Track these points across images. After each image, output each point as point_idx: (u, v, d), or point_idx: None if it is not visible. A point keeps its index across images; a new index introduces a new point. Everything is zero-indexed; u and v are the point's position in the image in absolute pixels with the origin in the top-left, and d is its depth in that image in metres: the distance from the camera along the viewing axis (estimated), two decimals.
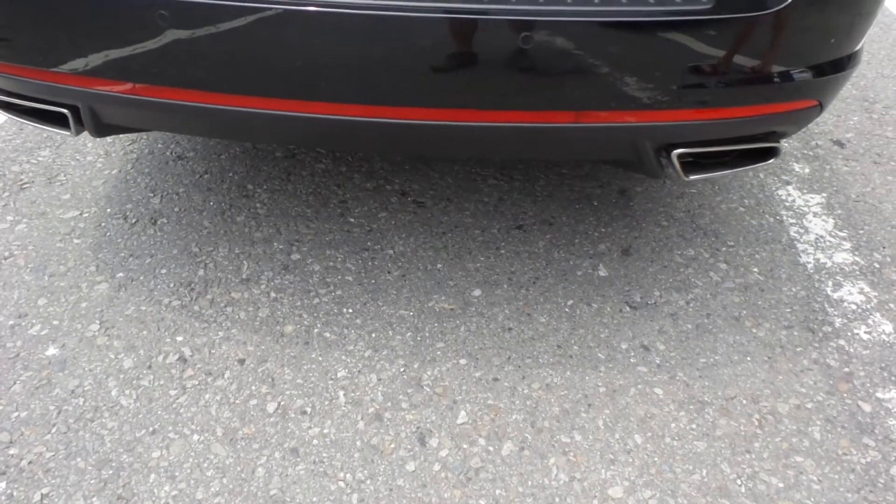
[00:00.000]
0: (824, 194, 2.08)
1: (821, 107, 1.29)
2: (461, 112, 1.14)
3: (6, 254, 1.72)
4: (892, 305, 1.68)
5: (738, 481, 1.27)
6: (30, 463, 1.26)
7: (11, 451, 1.28)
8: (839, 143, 2.36)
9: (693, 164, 1.33)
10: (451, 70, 1.11)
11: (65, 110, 1.29)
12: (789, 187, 2.11)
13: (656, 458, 1.31)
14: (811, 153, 2.29)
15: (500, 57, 1.09)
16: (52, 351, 1.47)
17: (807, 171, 2.19)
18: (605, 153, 1.34)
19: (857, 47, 1.25)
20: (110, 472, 1.26)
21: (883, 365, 1.51)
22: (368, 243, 1.79)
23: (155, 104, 1.19)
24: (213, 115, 1.20)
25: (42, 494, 1.22)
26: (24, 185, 1.96)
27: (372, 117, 1.16)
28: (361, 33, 1.08)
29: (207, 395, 1.40)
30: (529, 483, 1.26)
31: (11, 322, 1.54)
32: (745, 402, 1.42)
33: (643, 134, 1.21)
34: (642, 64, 1.10)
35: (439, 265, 1.74)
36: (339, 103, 1.15)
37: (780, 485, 1.27)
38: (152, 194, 1.93)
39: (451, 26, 1.07)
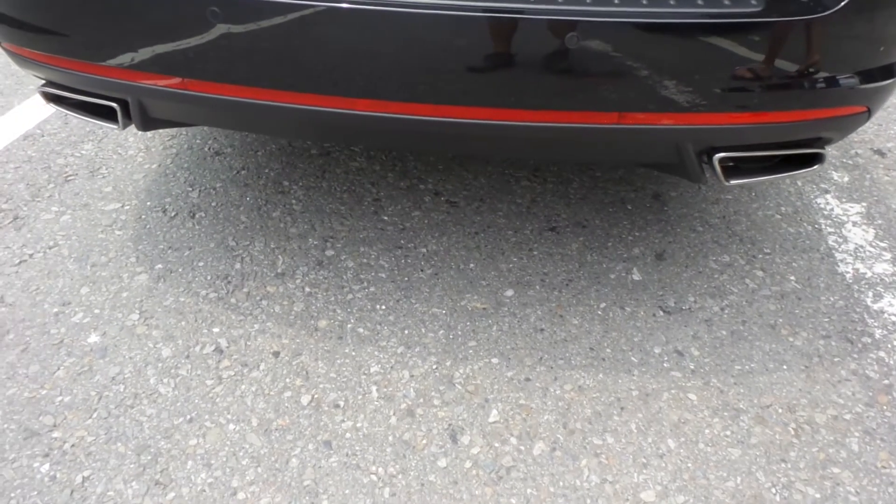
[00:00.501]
0: (864, 204, 2.04)
1: (869, 113, 1.27)
2: (504, 112, 1.15)
3: (51, 243, 1.77)
4: None
5: (773, 490, 1.25)
6: (72, 446, 1.30)
7: (55, 435, 1.32)
8: (880, 153, 2.31)
9: (734, 168, 1.32)
10: (494, 69, 1.11)
11: (114, 104, 1.33)
12: (828, 196, 2.07)
13: (690, 464, 1.29)
14: (850, 162, 2.25)
15: (545, 57, 1.09)
16: (93, 338, 1.51)
17: (846, 179, 2.15)
18: (646, 155, 1.33)
19: None
20: (149, 457, 1.28)
21: None
22: (402, 241, 1.81)
23: (202, 99, 1.21)
24: (259, 111, 1.22)
25: (83, 477, 1.25)
26: (69, 178, 2.01)
27: (413, 115, 1.17)
28: (406, 32, 1.09)
29: (243, 386, 1.42)
30: (561, 484, 1.26)
31: (56, 310, 1.58)
32: (780, 410, 1.40)
33: (686, 136, 1.20)
34: (688, 66, 1.10)
35: (472, 265, 1.74)
36: (382, 101, 1.17)
37: (817, 496, 1.24)
38: (191, 189, 1.97)
39: (496, 25, 1.08)
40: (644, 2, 1.08)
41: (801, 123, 1.22)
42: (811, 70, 1.14)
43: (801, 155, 1.34)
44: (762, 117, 1.18)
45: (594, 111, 1.14)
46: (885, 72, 1.22)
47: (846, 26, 1.10)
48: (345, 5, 1.08)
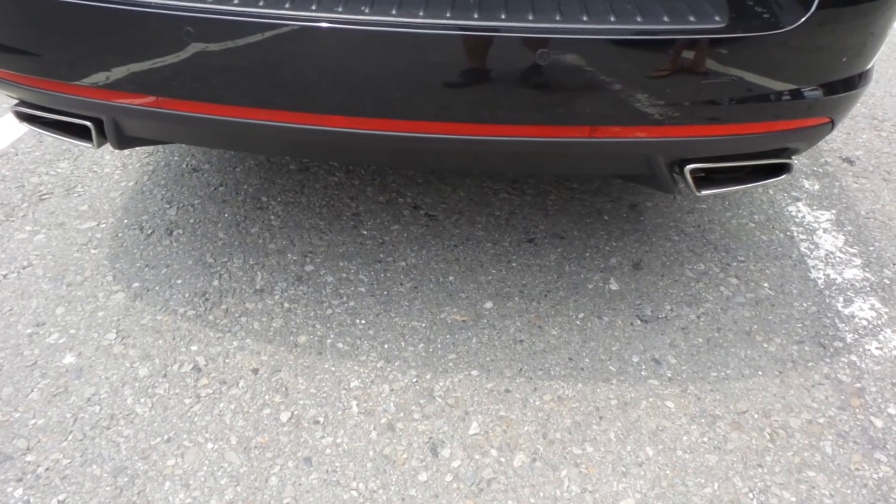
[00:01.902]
0: (834, 211, 2.09)
1: (832, 124, 1.30)
2: (477, 127, 1.16)
3: (25, 263, 1.74)
4: None
5: (751, 495, 1.27)
6: (47, 470, 1.28)
7: (29, 458, 1.29)
8: (848, 161, 2.37)
9: (705, 179, 1.35)
10: (467, 85, 1.13)
11: (88, 123, 1.32)
12: (799, 203, 2.12)
13: (668, 471, 1.31)
14: (821, 170, 2.30)
15: (517, 73, 1.11)
16: (69, 359, 1.49)
17: (816, 187, 2.20)
18: (619, 168, 1.35)
19: (868, 66, 1.27)
20: (125, 479, 1.27)
21: (894, 381, 1.51)
22: (381, 255, 1.81)
23: (178, 117, 1.21)
24: (234, 129, 1.22)
25: (59, 501, 1.23)
26: (44, 196, 1.99)
27: (389, 131, 1.18)
28: (381, 50, 1.11)
29: (222, 404, 1.41)
30: (541, 494, 1.26)
31: (30, 330, 1.56)
32: (756, 416, 1.42)
33: (657, 149, 1.22)
34: (656, 80, 1.12)
35: (451, 277, 1.75)
36: (356, 117, 1.18)
37: (793, 499, 1.26)
38: (168, 206, 1.96)
39: (469, 43, 1.10)
40: (612, 18, 1.10)
41: (768, 135, 1.25)
42: (775, 83, 1.17)
43: (769, 165, 1.37)
44: (730, 129, 1.21)
45: (566, 125, 1.16)
46: (847, 84, 1.25)
47: (807, 41, 1.14)
48: (323, 24, 1.09)
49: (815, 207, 2.10)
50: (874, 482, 1.30)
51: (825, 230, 2.00)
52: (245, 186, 2.05)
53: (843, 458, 1.34)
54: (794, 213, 2.07)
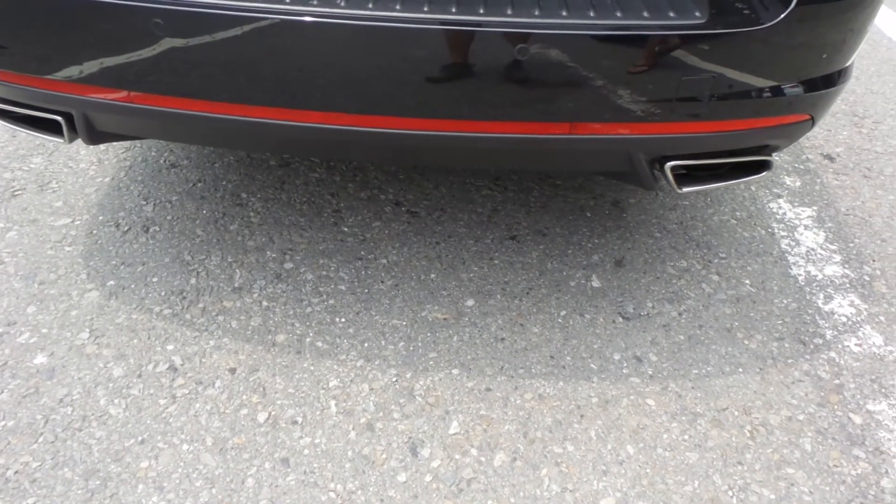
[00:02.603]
0: (815, 207, 2.10)
1: (812, 121, 1.30)
2: (456, 123, 1.15)
3: None
4: (882, 318, 1.69)
5: (730, 493, 1.27)
6: (16, 473, 1.25)
7: None
8: (829, 158, 2.38)
9: (686, 176, 1.34)
10: (446, 81, 1.11)
11: (59, 118, 1.29)
12: (780, 200, 2.12)
13: (648, 470, 1.30)
14: (802, 167, 2.31)
15: (496, 68, 1.10)
16: (40, 359, 1.46)
17: (798, 184, 2.21)
18: (599, 165, 1.34)
19: (848, 63, 1.27)
20: (97, 482, 1.24)
21: (873, 377, 1.52)
22: (362, 252, 1.79)
23: (149, 112, 1.19)
24: (207, 124, 1.20)
25: None
26: (16, 193, 1.94)
27: (366, 127, 1.16)
28: (356, 44, 1.08)
29: (198, 405, 1.38)
30: (521, 494, 1.25)
31: (0, 330, 1.52)
32: (736, 413, 1.42)
33: (637, 146, 1.21)
34: (636, 77, 1.11)
35: (433, 275, 1.74)
36: (332, 112, 1.16)
37: (772, 496, 1.27)
38: (145, 202, 1.93)
39: (447, 38, 1.08)
40: (591, 14, 1.09)
41: (748, 132, 1.24)
42: (755, 80, 1.17)
43: (750, 162, 1.36)
44: (710, 126, 1.21)
45: (546, 122, 1.15)
46: (827, 80, 1.25)
47: (787, 37, 1.13)
48: (297, 18, 1.06)
49: (796, 204, 2.11)
50: (852, 479, 1.30)
51: (806, 227, 2.01)
52: (224, 183, 2.01)
53: (821, 454, 1.35)
54: (775, 210, 2.07)
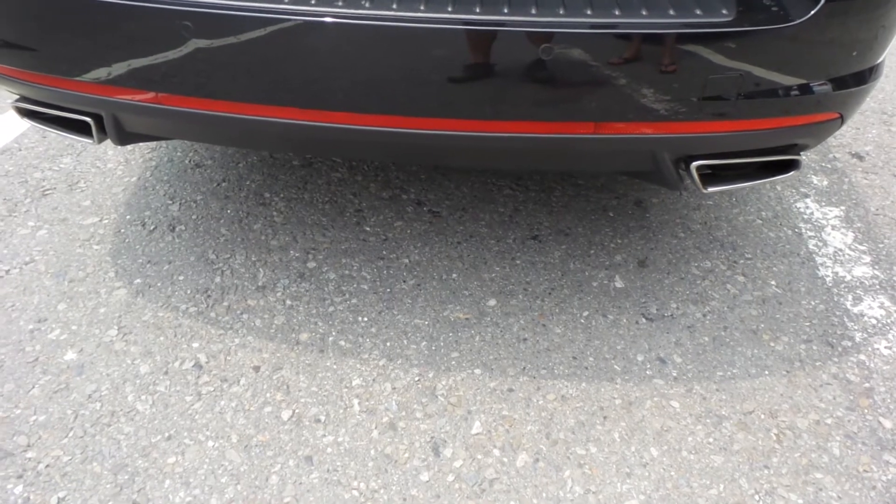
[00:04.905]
0: (843, 207, 2.06)
1: (842, 119, 1.28)
2: (481, 123, 1.15)
3: (27, 259, 1.74)
4: None
5: (757, 497, 1.25)
6: (47, 466, 1.27)
7: (29, 455, 1.29)
8: (858, 156, 2.34)
9: (712, 175, 1.33)
10: (470, 81, 1.11)
11: (88, 119, 1.31)
12: (807, 200, 2.09)
13: (673, 472, 1.29)
14: (829, 166, 2.27)
15: (520, 68, 1.09)
16: (70, 355, 1.49)
17: (825, 183, 2.17)
18: (623, 164, 1.33)
19: (879, 60, 1.24)
20: (126, 477, 1.26)
21: None
22: (384, 252, 1.80)
23: (177, 113, 1.20)
24: (234, 124, 1.21)
25: (59, 498, 1.22)
26: (46, 192, 1.99)
27: (391, 127, 1.17)
28: (381, 44, 1.09)
29: (223, 402, 1.40)
30: (544, 495, 1.25)
31: (31, 326, 1.55)
32: (763, 416, 1.41)
33: (662, 145, 1.20)
34: (662, 75, 1.10)
35: (454, 275, 1.74)
36: (357, 113, 1.16)
37: (800, 501, 1.25)
38: (171, 201, 1.95)
39: (471, 38, 1.08)
40: (616, 12, 1.08)
41: (776, 131, 1.22)
42: (783, 78, 1.15)
43: (777, 161, 1.34)
44: (737, 125, 1.19)
45: (570, 121, 1.14)
46: (857, 78, 1.23)
47: (816, 35, 1.11)
48: (324, 19, 1.07)
49: (823, 204, 2.07)
50: (883, 484, 1.28)
51: (834, 227, 1.98)
52: (248, 182, 2.04)
53: (851, 459, 1.32)
54: (802, 210, 2.04)
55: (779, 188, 2.13)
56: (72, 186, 2.01)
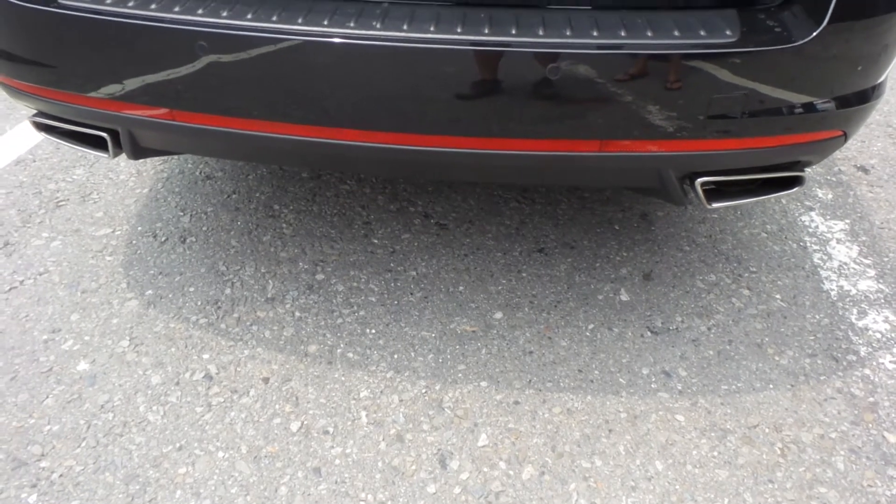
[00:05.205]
0: (848, 221, 2.07)
1: (845, 137, 1.29)
2: (488, 141, 1.17)
3: (41, 269, 1.77)
4: None
5: None
6: (60, 476, 1.29)
7: (43, 464, 1.31)
8: (863, 169, 2.35)
9: (716, 191, 1.34)
10: (479, 100, 1.13)
11: (105, 134, 1.34)
12: (812, 213, 2.10)
13: (678, 486, 1.30)
14: (834, 179, 2.28)
15: (527, 88, 1.12)
16: (83, 366, 1.51)
17: (830, 197, 2.18)
18: (629, 180, 1.35)
19: (882, 78, 1.26)
20: (137, 487, 1.28)
21: None
22: (392, 264, 1.82)
23: (192, 130, 1.23)
24: (247, 141, 1.24)
25: None
26: (60, 203, 2.02)
27: (401, 145, 1.19)
28: (392, 64, 1.11)
29: (233, 413, 1.42)
30: None
31: (45, 337, 1.58)
32: (767, 430, 1.41)
33: (667, 163, 1.22)
34: (667, 95, 1.12)
35: (461, 287, 1.76)
36: (368, 131, 1.19)
37: None
38: (182, 213, 1.98)
39: (480, 58, 1.10)
40: (622, 33, 1.10)
41: (779, 148, 1.24)
42: (787, 97, 1.17)
43: (781, 177, 1.36)
44: (740, 143, 1.21)
45: (576, 139, 1.16)
46: (860, 97, 1.25)
47: (819, 55, 1.13)
48: (336, 39, 1.10)
49: (828, 217, 2.08)
50: (887, 499, 1.28)
51: (839, 241, 1.99)
52: (257, 194, 2.06)
53: (855, 474, 1.33)
54: (807, 223, 2.05)
55: (784, 201, 2.14)
56: (85, 198, 2.04)
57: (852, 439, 1.40)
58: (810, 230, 2.02)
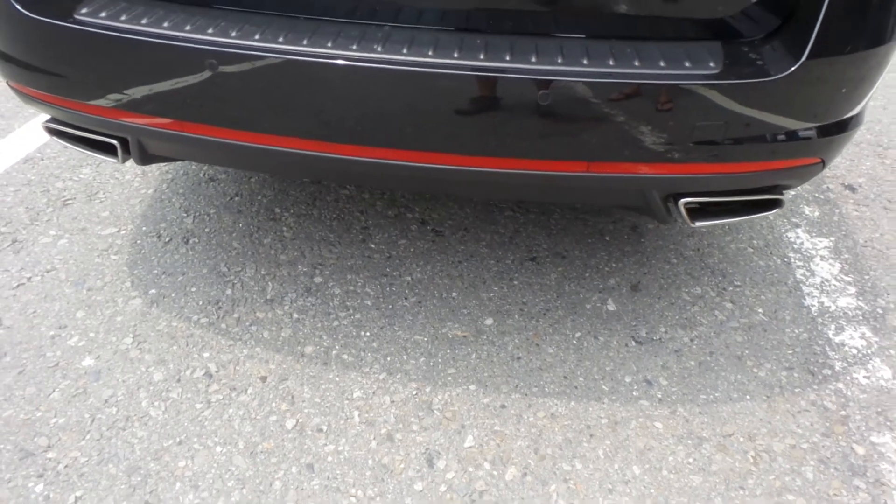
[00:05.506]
0: (833, 238, 2.13)
1: (823, 164, 1.36)
2: (481, 160, 1.23)
3: (49, 267, 1.83)
4: (892, 351, 1.72)
5: None
6: (66, 467, 1.36)
7: (49, 455, 1.38)
8: (850, 188, 2.41)
9: (700, 210, 1.41)
10: (472, 122, 1.19)
11: (114, 141, 1.40)
12: (798, 230, 2.16)
13: (653, 490, 1.37)
14: (822, 196, 2.34)
15: (519, 111, 1.18)
16: (88, 362, 1.58)
17: (817, 214, 2.25)
18: (614, 200, 1.41)
19: (858, 110, 1.32)
20: (139, 478, 1.35)
21: (879, 409, 1.56)
22: (388, 269, 1.88)
23: (199, 140, 1.29)
24: (250, 153, 1.30)
25: (76, 497, 1.31)
26: (67, 202, 2.08)
27: (398, 160, 1.25)
28: (389, 85, 1.18)
29: (231, 410, 1.48)
30: None
31: (52, 333, 1.64)
32: (741, 439, 1.48)
33: (651, 184, 1.28)
34: (651, 122, 1.18)
35: (454, 293, 1.82)
36: (366, 146, 1.25)
37: None
38: (185, 214, 2.04)
39: (474, 82, 1.16)
40: (611, 62, 1.16)
41: (759, 173, 1.30)
42: (766, 125, 1.23)
43: (761, 200, 1.42)
44: (722, 168, 1.27)
45: (564, 160, 1.23)
46: (838, 126, 1.31)
47: (798, 88, 1.19)
48: (338, 62, 1.16)
49: (813, 234, 2.15)
50: None
51: (822, 257, 2.05)
52: (259, 197, 2.12)
53: (823, 483, 1.40)
54: (792, 240, 2.11)
55: (771, 218, 2.21)
56: (91, 197, 2.10)
57: (822, 450, 1.46)
58: (795, 246, 2.08)
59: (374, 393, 1.54)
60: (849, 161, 2.57)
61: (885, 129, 2.80)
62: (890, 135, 2.75)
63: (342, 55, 1.16)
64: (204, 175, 2.22)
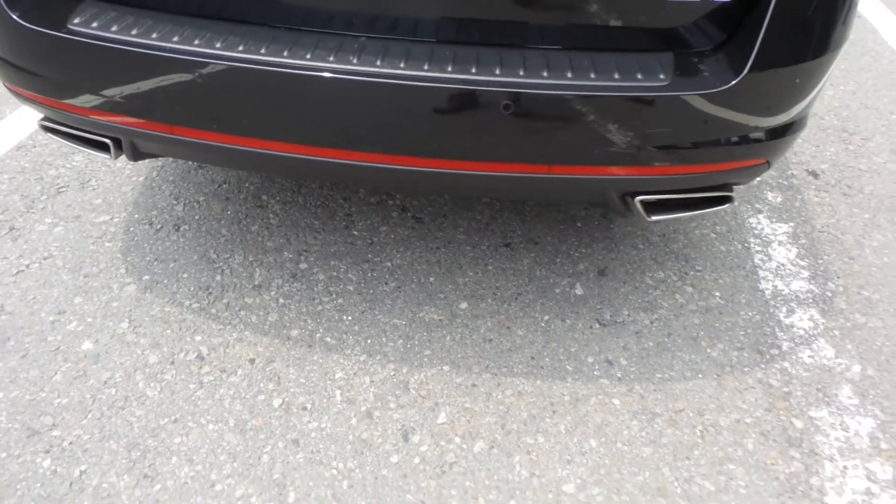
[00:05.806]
0: (792, 224, 2.26)
1: (768, 164, 1.47)
2: (450, 162, 1.33)
3: (46, 254, 1.93)
4: (836, 332, 1.86)
5: (676, 484, 1.47)
6: (70, 443, 1.48)
7: (55, 433, 1.50)
8: (813, 174, 2.53)
9: (656, 205, 1.52)
10: (442, 128, 1.29)
11: (108, 140, 1.49)
12: (760, 216, 2.28)
13: (607, 461, 1.51)
14: (786, 182, 2.46)
15: (484, 119, 1.28)
16: (87, 345, 1.68)
17: (779, 200, 2.36)
18: (574, 198, 1.52)
19: (799, 115, 1.43)
20: (138, 454, 1.47)
21: (819, 386, 1.70)
22: (369, 255, 1.99)
23: (188, 142, 1.38)
24: (237, 154, 1.39)
25: (81, 471, 1.43)
26: (61, 189, 2.16)
27: (374, 163, 1.35)
28: (364, 94, 1.27)
29: (222, 390, 1.60)
30: (495, 477, 1.46)
31: (52, 318, 1.75)
32: (691, 414, 1.62)
33: (608, 185, 1.39)
34: (607, 129, 1.28)
35: (432, 278, 1.94)
36: (344, 150, 1.34)
37: (712, 488, 1.47)
38: (175, 202, 2.13)
39: (443, 92, 1.26)
40: (569, 75, 1.26)
41: (709, 174, 1.41)
42: (714, 132, 1.34)
43: (713, 196, 1.53)
44: (673, 170, 1.38)
45: (527, 163, 1.33)
46: (781, 130, 1.42)
47: (742, 97, 1.30)
48: (321, 73, 1.25)
49: (774, 220, 2.27)
50: (785, 476, 1.50)
51: (780, 242, 2.17)
52: (246, 185, 2.21)
53: (761, 454, 1.54)
54: (754, 225, 2.23)
55: (736, 204, 2.32)
56: (84, 184, 2.19)
57: (764, 424, 1.61)
58: (756, 232, 2.21)
59: (355, 373, 1.66)
60: (814, 147, 2.68)
61: (853, 115, 2.90)
62: (856, 120, 2.85)
63: (321, 67, 1.25)
64: (192, 163, 2.30)
